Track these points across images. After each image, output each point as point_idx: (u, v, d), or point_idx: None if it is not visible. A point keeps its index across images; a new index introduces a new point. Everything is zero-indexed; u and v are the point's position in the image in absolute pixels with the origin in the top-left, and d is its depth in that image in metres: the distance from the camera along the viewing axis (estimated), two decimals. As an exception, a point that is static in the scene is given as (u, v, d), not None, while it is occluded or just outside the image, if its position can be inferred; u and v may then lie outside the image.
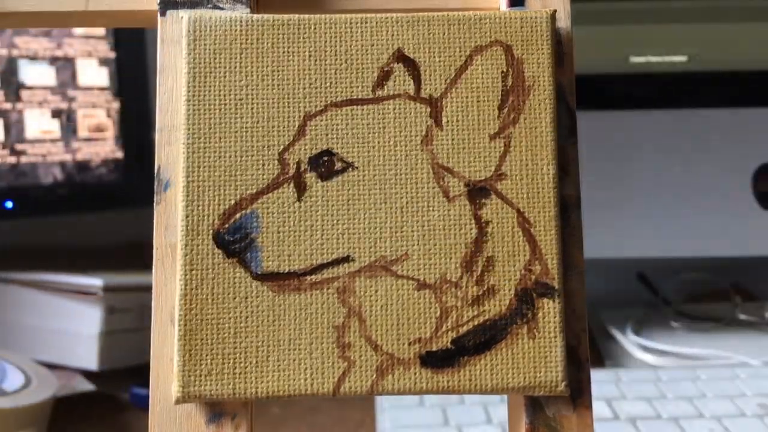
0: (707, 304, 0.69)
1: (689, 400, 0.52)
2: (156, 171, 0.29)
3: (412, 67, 0.29)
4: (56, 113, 0.74)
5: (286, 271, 0.28)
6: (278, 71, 0.29)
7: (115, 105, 0.77)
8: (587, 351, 0.29)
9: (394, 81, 0.29)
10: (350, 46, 0.29)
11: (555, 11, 0.30)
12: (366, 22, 0.29)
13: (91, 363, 0.59)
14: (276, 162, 0.28)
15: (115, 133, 0.77)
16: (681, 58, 0.69)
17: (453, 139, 0.29)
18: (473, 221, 0.28)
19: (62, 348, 0.60)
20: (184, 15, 0.29)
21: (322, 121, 0.29)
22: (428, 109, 0.29)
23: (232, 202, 0.28)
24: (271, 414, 0.55)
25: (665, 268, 0.70)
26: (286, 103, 0.29)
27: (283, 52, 0.29)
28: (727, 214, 0.70)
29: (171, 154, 0.29)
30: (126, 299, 0.61)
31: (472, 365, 0.28)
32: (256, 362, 0.28)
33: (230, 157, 0.28)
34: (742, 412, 0.50)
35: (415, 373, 0.28)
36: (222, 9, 0.30)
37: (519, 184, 0.29)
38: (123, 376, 0.60)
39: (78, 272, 0.63)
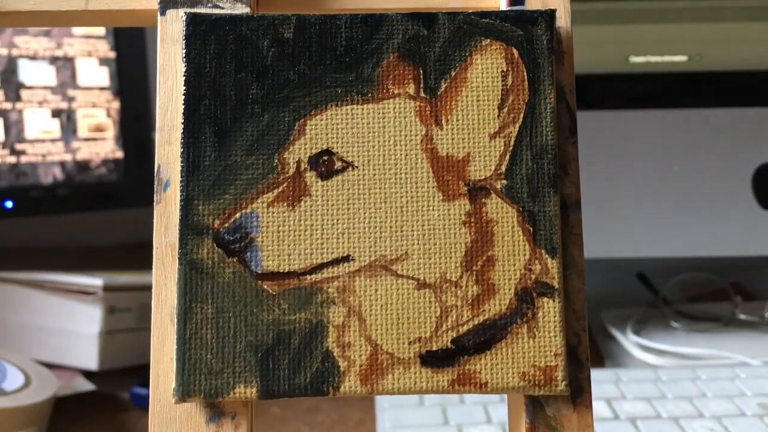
0: (707, 304, 0.69)
1: (689, 400, 0.52)
2: (156, 170, 0.29)
3: (412, 66, 0.29)
4: (56, 113, 0.74)
5: (286, 270, 0.28)
6: (278, 70, 0.29)
7: (115, 105, 0.77)
8: (587, 350, 0.29)
9: (394, 80, 0.29)
10: (350, 45, 0.29)
11: (555, 10, 0.30)
12: (366, 21, 0.29)
13: (91, 363, 0.59)
14: (276, 161, 0.28)
15: (115, 133, 0.77)
16: (681, 58, 0.69)
17: (453, 139, 0.29)
18: (473, 220, 0.28)
19: (62, 348, 0.60)
20: (184, 14, 0.29)
21: (321, 120, 0.29)
22: (428, 109, 0.29)
23: (232, 201, 0.28)
24: (271, 414, 0.55)
25: (665, 268, 0.70)
26: (286, 102, 0.29)
27: (283, 51, 0.29)
28: (727, 214, 0.70)
29: (171, 153, 0.29)
30: (126, 299, 0.61)
31: (472, 365, 0.28)
32: (256, 362, 0.27)
33: (230, 156, 0.28)
34: (742, 411, 0.50)
35: (415, 373, 0.28)
36: (222, 8, 0.30)
37: (519, 184, 0.29)
38: (123, 376, 0.60)
39: (78, 272, 0.63)
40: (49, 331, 0.60)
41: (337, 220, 0.28)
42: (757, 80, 0.72)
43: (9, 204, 0.72)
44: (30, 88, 0.72)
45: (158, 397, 0.28)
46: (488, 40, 0.29)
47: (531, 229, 0.28)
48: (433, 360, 0.28)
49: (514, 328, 0.28)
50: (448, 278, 0.28)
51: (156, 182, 0.29)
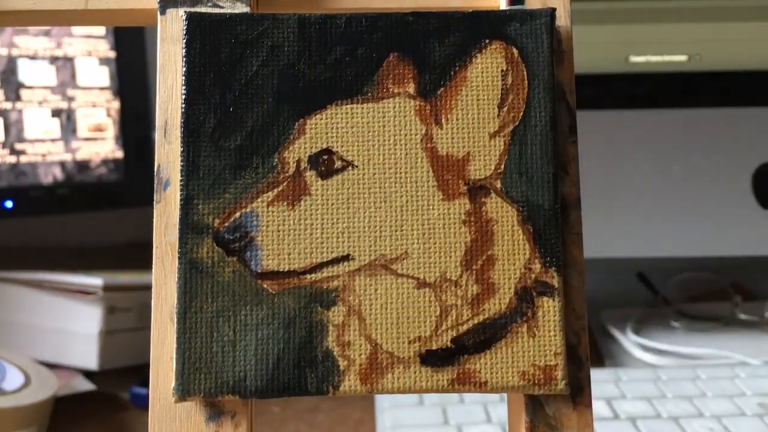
0: (707, 304, 0.69)
1: (689, 400, 0.52)
2: (156, 170, 0.29)
3: (412, 65, 0.29)
4: (56, 113, 0.74)
5: (286, 269, 0.28)
6: (278, 69, 0.29)
7: (115, 105, 0.77)
8: (587, 349, 0.29)
9: (394, 79, 0.29)
10: (350, 44, 0.29)
11: (555, 10, 0.30)
12: (366, 20, 0.29)
13: (91, 363, 0.59)
14: (275, 160, 0.28)
15: (115, 133, 0.77)
16: (681, 58, 0.69)
17: (453, 138, 0.29)
18: (473, 220, 0.28)
19: (62, 348, 0.60)
20: (184, 13, 0.29)
21: (321, 119, 0.29)
22: (428, 108, 0.29)
23: (232, 200, 0.28)
24: (271, 413, 0.55)
25: (665, 268, 0.71)
26: (286, 102, 0.29)
27: (283, 50, 0.29)
28: (727, 214, 0.70)
29: (171, 152, 0.29)
30: (126, 299, 0.61)
31: (472, 364, 0.28)
32: (256, 361, 0.28)
33: (230, 155, 0.28)
34: (741, 411, 0.50)
35: (415, 372, 0.28)
36: (222, 7, 0.30)
37: (519, 183, 0.29)
38: (123, 376, 0.60)
39: (78, 272, 0.63)
40: (49, 331, 0.60)
41: (337, 219, 0.28)
42: (757, 80, 0.72)
43: (9, 204, 0.72)
44: (30, 87, 0.72)
45: (158, 396, 0.28)
46: (488, 40, 0.29)
47: (531, 228, 0.28)
48: (433, 359, 0.28)
49: (514, 328, 0.28)
50: (448, 277, 0.28)
51: (156, 182, 0.29)
